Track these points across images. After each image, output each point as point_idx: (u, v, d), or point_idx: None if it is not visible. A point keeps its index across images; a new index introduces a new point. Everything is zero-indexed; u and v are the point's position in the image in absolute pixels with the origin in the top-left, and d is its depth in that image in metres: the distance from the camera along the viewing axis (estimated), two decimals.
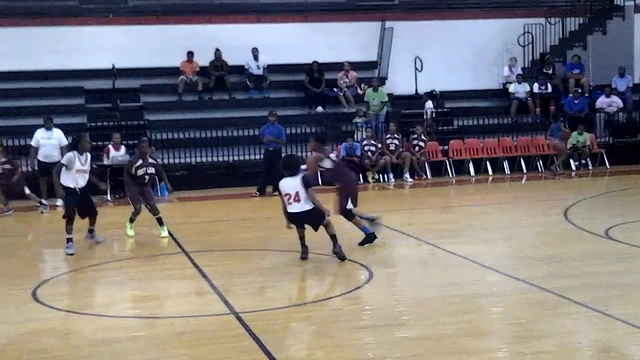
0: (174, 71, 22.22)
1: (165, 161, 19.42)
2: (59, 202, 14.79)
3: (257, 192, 18.00)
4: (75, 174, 11.33)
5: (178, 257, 10.95)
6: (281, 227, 10.59)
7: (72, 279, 9.78)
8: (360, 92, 22.33)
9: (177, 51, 22.09)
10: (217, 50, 22.42)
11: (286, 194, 10.08)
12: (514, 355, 6.51)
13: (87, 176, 11.56)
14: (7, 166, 16.45)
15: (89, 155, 11.73)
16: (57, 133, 17.60)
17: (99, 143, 19.20)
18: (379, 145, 20.21)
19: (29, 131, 18.34)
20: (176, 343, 7.01)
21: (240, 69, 22.66)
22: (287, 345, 6.77)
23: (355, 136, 20.60)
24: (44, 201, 16.39)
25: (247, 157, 20.14)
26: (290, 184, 10.06)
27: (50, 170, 15.28)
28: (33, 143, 17.52)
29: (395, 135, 20.42)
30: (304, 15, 23.69)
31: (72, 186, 11.29)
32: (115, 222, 13.62)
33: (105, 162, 18.20)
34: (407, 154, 20.12)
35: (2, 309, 8.41)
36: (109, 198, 17.45)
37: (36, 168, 17.49)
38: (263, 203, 17.06)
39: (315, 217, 10.08)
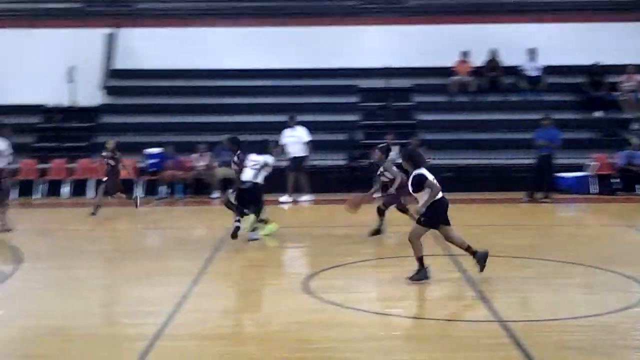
0: (447, 71, 22.20)
1: (433, 162, 19.43)
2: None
3: (526, 198, 17.49)
4: None
5: (444, 259, 10.88)
6: (547, 236, 10.16)
7: (338, 273, 10.02)
8: None
9: (450, 51, 22.05)
10: (493, 50, 22.07)
11: None
12: None
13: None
14: (112, 162, 16.54)
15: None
16: (300, 131, 18.48)
17: (371, 141, 19.69)
18: None
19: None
20: (438, 346, 6.95)
21: (515, 70, 22.16)
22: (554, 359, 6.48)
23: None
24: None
25: (516, 161, 19.66)
26: None
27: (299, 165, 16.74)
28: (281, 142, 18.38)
29: None
30: (586, 15, 22.63)
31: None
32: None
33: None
34: None
35: (274, 298, 8.83)
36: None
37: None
38: (532, 209, 16.54)
39: None
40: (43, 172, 19.66)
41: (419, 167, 9.32)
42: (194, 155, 19.15)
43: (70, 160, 19.98)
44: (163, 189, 19.14)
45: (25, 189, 19.35)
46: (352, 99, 22.17)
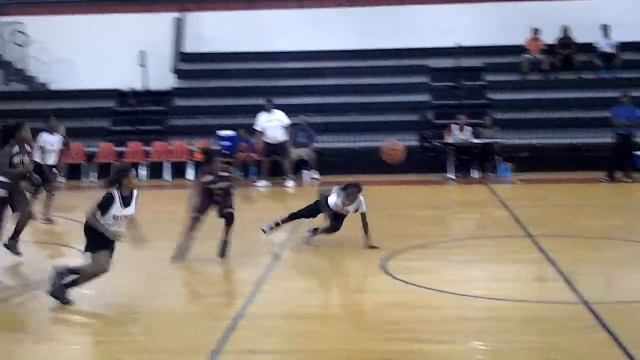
0: (518, 49, 21.84)
1: (507, 141, 19.21)
2: None
3: (606, 177, 17.13)
4: None
5: (523, 240, 10.73)
6: (630, 217, 9.92)
7: (418, 254, 9.96)
8: None
9: (521, 29, 21.69)
10: (565, 27, 21.61)
11: None
12: None
13: None
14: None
15: None
16: (279, 114, 18.05)
17: (442, 121, 19.55)
18: None
19: (377, 107, 19.14)
20: (525, 329, 6.85)
21: (588, 47, 21.66)
22: None
23: None
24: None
25: (592, 140, 19.27)
26: None
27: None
28: (258, 127, 18.10)
29: None
30: None
31: None
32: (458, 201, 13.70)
33: (448, 140, 18.44)
34: None
35: (354, 278, 8.83)
36: (453, 177, 17.67)
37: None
38: (613, 189, 16.21)
39: None
40: (120, 155, 19.99)
41: None
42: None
43: (146, 143, 20.27)
44: (236, 172, 19.25)
45: (104, 171, 19.70)
46: (423, 79, 21.97)
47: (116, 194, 7.55)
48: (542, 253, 9.81)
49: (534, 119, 20.14)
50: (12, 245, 9.80)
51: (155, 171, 19.80)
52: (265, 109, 18.13)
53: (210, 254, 9.64)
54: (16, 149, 9.67)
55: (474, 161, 18.52)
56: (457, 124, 18.57)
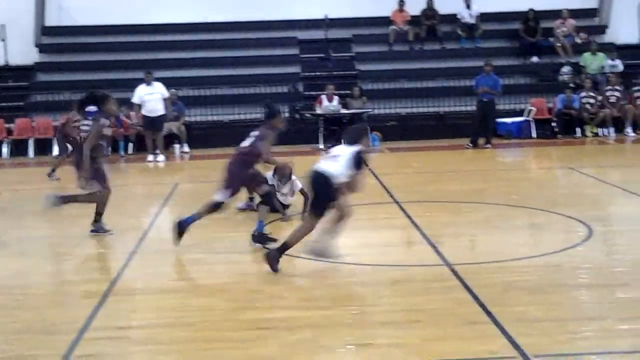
0: (385, 21, 22.20)
1: (376, 112, 19.59)
2: None
3: (470, 144, 17.74)
4: None
5: (389, 206, 11.02)
6: (491, 180, 10.34)
7: (286, 224, 10.04)
8: (579, 41, 21.34)
9: (388, 0, 22.04)
10: None
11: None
12: None
13: None
14: None
15: None
16: (159, 87, 17.78)
17: (312, 93, 19.70)
18: (599, 98, 19.25)
19: (246, 80, 19.07)
20: (390, 291, 7.08)
21: (452, 18, 22.26)
22: (502, 300, 6.64)
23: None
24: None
25: (457, 109, 19.90)
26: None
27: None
28: (136, 100, 17.73)
29: (617, 87, 19.35)
30: None
31: None
32: None
33: (318, 111, 18.63)
34: (630, 106, 19.04)
35: (224, 252, 8.85)
36: (322, 147, 17.86)
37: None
38: (476, 155, 16.83)
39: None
40: None
41: None
42: (133, 113, 18.74)
43: (8, 120, 19.53)
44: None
45: None
46: (292, 51, 22.04)
47: None
48: (409, 218, 10.12)
49: (400, 88, 20.57)
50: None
51: (19, 149, 19.16)
52: (145, 81, 17.76)
53: (84, 231, 9.51)
54: None
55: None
56: (325, 94, 18.77)
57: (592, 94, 19.25)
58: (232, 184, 8.73)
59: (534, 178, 14.47)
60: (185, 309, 6.70)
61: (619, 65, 20.42)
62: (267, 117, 9.13)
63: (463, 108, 19.61)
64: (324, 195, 7.54)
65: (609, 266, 7.80)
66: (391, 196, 11.70)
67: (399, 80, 20.75)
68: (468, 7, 22.10)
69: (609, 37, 22.00)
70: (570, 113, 19.07)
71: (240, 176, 8.80)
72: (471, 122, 18.32)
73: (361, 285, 7.36)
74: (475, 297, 6.69)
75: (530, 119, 19.48)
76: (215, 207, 8.74)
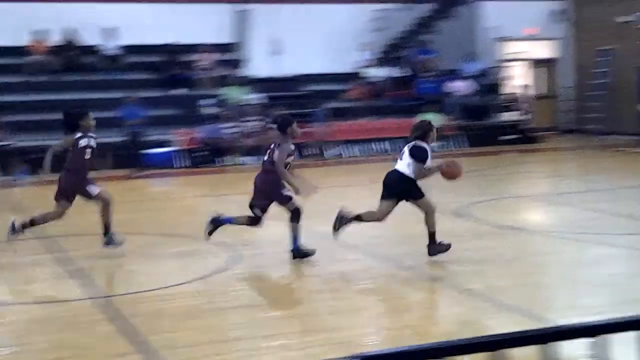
0: (23, 51, 21.38)
1: (19, 144, 18.73)
2: None
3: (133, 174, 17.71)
4: None
5: (32, 242, 10.50)
6: (143, 210, 10.36)
7: None
8: (217, 75, 22.23)
9: (26, 31, 21.28)
10: (69, 29, 21.71)
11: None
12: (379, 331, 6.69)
13: None
14: None
15: None
16: None
17: None
18: (240, 128, 20.13)
19: None
20: (31, 330, 6.78)
21: (93, 50, 22.04)
22: (154, 328, 6.65)
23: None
24: None
25: (104, 140, 19.51)
26: None
27: None
28: None
29: (256, 118, 20.37)
30: None
31: None
32: None
33: None
34: (265, 136, 20.13)
35: None
36: None
37: None
38: (127, 185, 16.90)
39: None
40: None
41: None
42: None
43: None
44: None
45: None
46: None
47: None
48: (61, 252, 9.79)
49: (44, 119, 19.78)
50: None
51: None
52: None
53: None
54: None
55: None
56: None
57: (234, 124, 20.08)
58: (258, 199, 8.93)
59: (182, 206, 14.67)
60: None
61: (257, 97, 21.53)
62: (280, 127, 9.02)
63: (111, 139, 19.33)
64: (397, 189, 8.57)
65: (252, 287, 8.17)
66: (44, 232, 11.12)
67: (42, 111, 19.96)
68: (110, 39, 22.00)
69: (249, 70, 23.13)
70: (215, 142, 19.72)
71: (264, 191, 8.92)
72: (121, 152, 18.15)
73: (3, 326, 6.95)
74: (126, 328, 6.64)
75: (178, 148, 19.83)
76: (252, 220, 9.07)
